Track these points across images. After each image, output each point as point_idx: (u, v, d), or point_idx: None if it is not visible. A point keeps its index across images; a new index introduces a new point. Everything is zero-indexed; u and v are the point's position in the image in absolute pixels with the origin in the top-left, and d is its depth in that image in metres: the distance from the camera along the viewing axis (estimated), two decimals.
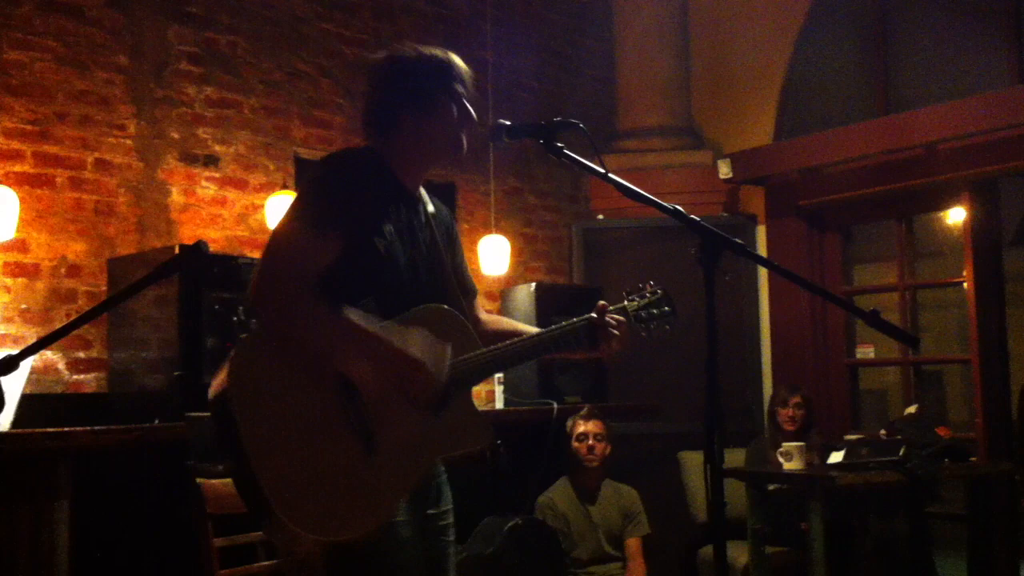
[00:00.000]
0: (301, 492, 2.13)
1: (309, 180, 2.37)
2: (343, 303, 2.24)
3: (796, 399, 5.62)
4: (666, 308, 2.61)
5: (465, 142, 2.50)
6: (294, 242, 2.25)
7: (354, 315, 2.23)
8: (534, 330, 2.60)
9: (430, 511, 2.44)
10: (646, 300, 2.61)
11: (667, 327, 2.61)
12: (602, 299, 2.60)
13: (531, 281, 6.30)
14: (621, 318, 2.55)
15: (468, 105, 2.50)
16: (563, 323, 2.53)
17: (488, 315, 2.74)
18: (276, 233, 2.31)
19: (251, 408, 2.14)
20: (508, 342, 2.49)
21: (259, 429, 2.13)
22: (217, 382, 2.18)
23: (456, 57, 2.50)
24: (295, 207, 2.32)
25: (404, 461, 2.26)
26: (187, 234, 5.12)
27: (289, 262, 2.21)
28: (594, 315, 2.52)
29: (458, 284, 2.57)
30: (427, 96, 2.44)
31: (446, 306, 2.43)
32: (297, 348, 2.21)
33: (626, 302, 2.60)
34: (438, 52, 2.49)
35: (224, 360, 2.19)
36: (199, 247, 2.32)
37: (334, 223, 2.26)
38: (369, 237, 2.32)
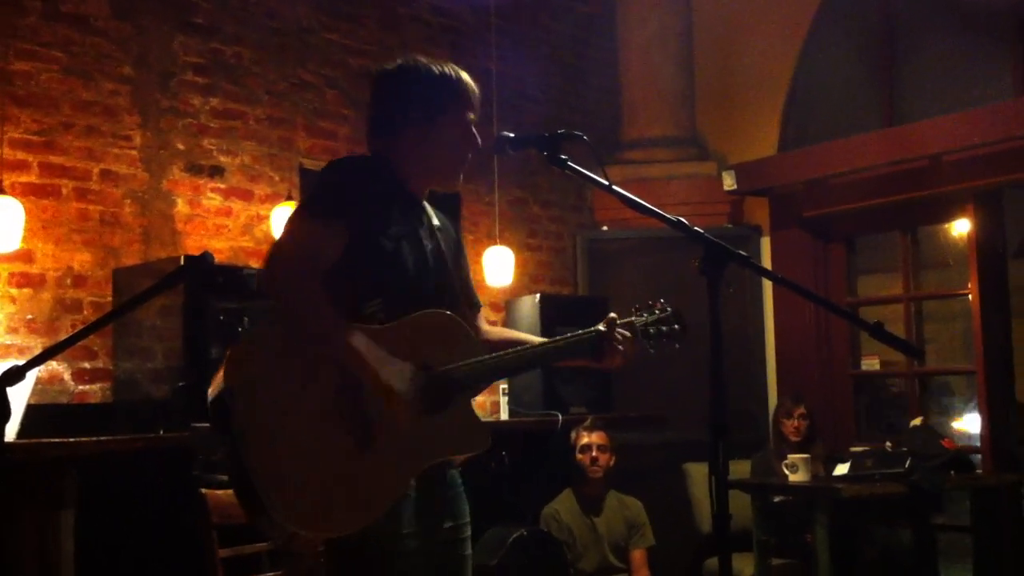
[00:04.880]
0: (293, 488, 2.13)
1: (314, 182, 2.41)
2: (352, 306, 2.26)
3: (800, 410, 5.64)
4: (675, 326, 2.61)
5: (463, 167, 2.51)
6: (299, 232, 2.29)
7: (353, 329, 2.23)
8: (538, 339, 2.60)
9: (447, 524, 2.43)
10: (655, 317, 2.60)
11: (676, 345, 2.61)
12: (608, 310, 2.60)
13: (535, 292, 6.30)
14: (628, 333, 2.55)
15: (473, 129, 2.50)
16: (569, 334, 2.52)
17: (491, 327, 2.75)
18: (284, 228, 2.34)
19: (247, 404, 2.14)
20: (512, 350, 2.49)
21: (254, 424, 2.13)
22: (216, 381, 2.19)
23: (468, 78, 2.50)
24: (301, 204, 2.39)
25: (401, 462, 2.25)
26: (192, 244, 5.12)
27: (296, 248, 2.25)
28: (602, 328, 2.51)
29: (464, 298, 2.57)
30: (431, 112, 2.44)
31: (448, 312, 2.43)
32: (298, 343, 2.22)
33: (634, 317, 2.60)
34: (449, 70, 2.49)
35: (221, 362, 2.20)
36: (204, 257, 2.33)
37: (338, 215, 2.29)
38: (376, 236, 2.33)
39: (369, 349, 2.21)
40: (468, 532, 2.51)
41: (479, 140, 2.51)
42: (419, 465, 2.31)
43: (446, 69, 2.49)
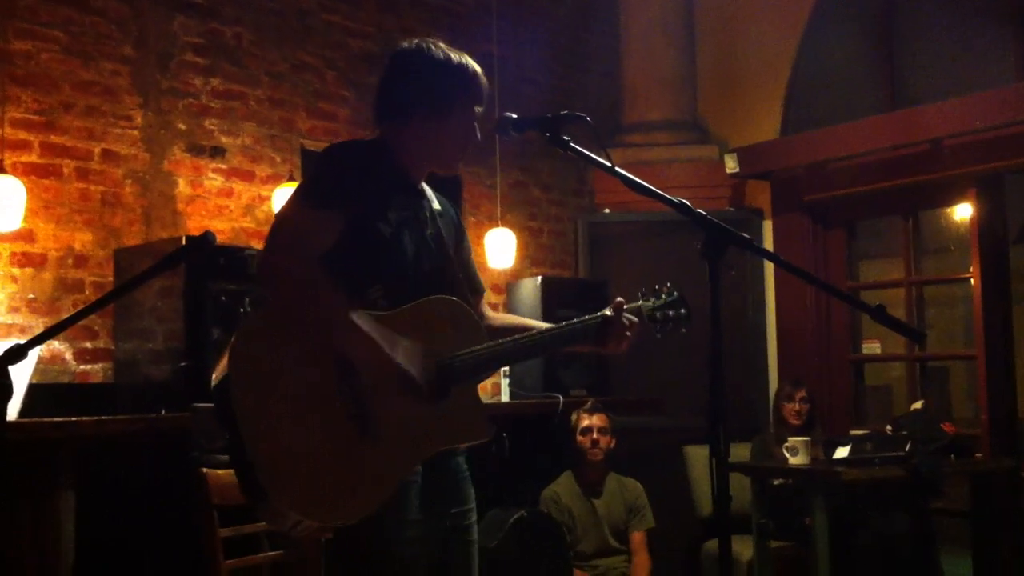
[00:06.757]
0: (295, 475, 2.13)
1: (312, 166, 2.39)
2: (353, 291, 2.24)
3: (801, 393, 5.65)
4: (682, 311, 2.58)
5: (462, 157, 2.52)
6: (296, 219, 2.27)
7: (358, 315, 2.23)
8: (543, 324, 2.57)
9: (453, 510, 2.44)
10: (661, 301, 2.57)
11: (682, 329, 2.59)
12: (608, 293, 2.59)
13: (537, 275, 6.30)
14: (635, 318, 2.53)
15: (476, 127, 2.49)
16: (575, 320, 2.50)
17: (494, 312, 2.72)
18: (279, 213, 2.34)
19: (249, 391, 2.14)
20: (516, 336, 2.46)
21: (256, 412, 2.13)
22: (219, 368, 2.19)
23: (481, 72, 2.49)
24: (297, 189, 2.36)
25: (402, 449, 2.25)
26: (193, 225, 5.12)
27: (292, 237, 2.23)
28: (609, 312, 2.49)
29: (465, 282, 2.55)
30: (444, 104, 2.43)
31: (454, 298, 2.42)
32: (298, 331, 2.21)
33: (641, 302, 2.58)
34: (465, 61, 2.48)
35: (225, 347, 2.20)
36: (205, 238, 2.32)
37: (334, 201, 2.27)
38: (373, 221, 2.32)
39: (377, 330, 2.21)
40: (474, 517, 2.51)
41: (479, 134, 2.51)
42: (423, 452, 2.31)
43: (463, 60, 2.47)
